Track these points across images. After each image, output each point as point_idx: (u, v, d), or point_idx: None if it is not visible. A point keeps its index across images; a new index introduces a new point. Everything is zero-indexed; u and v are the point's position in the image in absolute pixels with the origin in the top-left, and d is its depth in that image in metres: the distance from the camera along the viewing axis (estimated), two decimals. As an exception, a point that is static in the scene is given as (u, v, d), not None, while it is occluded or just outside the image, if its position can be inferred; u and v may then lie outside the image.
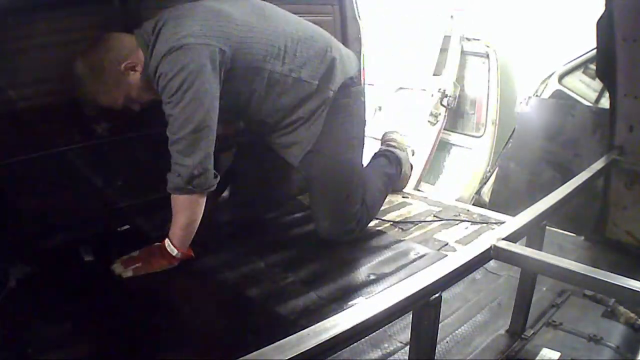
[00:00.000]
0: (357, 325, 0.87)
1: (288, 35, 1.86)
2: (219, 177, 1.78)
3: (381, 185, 2.26)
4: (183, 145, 1.66)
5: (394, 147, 2.51)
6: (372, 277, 1.84)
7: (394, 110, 4.11)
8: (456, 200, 3.00)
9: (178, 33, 1.64)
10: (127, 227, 2.14)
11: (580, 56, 2.94)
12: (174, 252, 1.78)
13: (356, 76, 2.04)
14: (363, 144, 2.14)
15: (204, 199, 1.77)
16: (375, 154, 2.51)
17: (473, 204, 2.97)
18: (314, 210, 2.09)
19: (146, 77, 1.72)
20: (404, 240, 2.13)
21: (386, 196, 2.34)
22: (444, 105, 3.81)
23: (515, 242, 1.19)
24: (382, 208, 2.42)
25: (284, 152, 2.02)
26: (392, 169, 2.39)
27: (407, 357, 1.10)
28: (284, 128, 1.95)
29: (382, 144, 2.59)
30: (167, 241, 1.79)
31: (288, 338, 0.80)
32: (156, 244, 1.83)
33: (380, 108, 4.20)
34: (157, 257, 1.79)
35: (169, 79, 1.63)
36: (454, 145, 4.06)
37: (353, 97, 2.01)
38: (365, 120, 2.18)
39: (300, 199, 2.49)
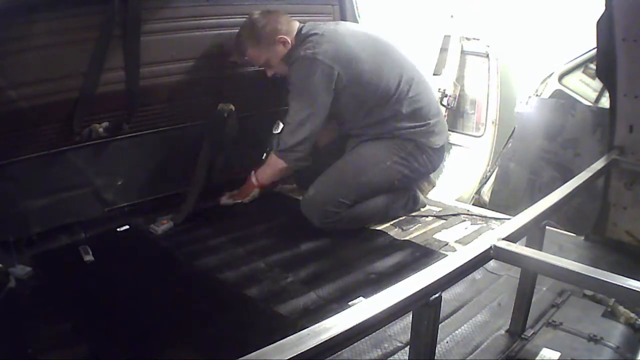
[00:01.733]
0: (357, 325, 0.86)
1: (402, 81, 2.19)
2: (309, 162, 2.22)
3: (382, 207, 2.26)
4: (288, 128, 2.15)
5: (419, 189, 2.48)
6: (372, 277, 1.84)
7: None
8: (456, 200, 3.00)
9: (316, 48, 2.07)
10: (126, 227, 2.14)
11: (580, 56, 2.94)
12: (255, 182, 2.33)
13: (439, 147, 2.31)
14: (398, 176, 2.24)
15: (289, 170, 2.32)
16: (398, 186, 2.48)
17: (473, 204, 2.97)
18: (317, 180, 2.22)
19: (286, 57, 2.16)
20: (404, 240, 2.13)
21: (383, 220, 2.29)
22: (444, 105, 3.80)
23: (515, 242, 1.19)
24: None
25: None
26: (402, 200, 2.34)
27: (407, 357, 1.10)
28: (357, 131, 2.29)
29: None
30: (253, 174, 2.33)
31: (288, 338, 0.80)
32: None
33: (380, 108, 4.20)
34: (245, 186, 2.36)
35: (297, 77, 2.11)
36: (454, 145, 4.05)
37: (419, 149, 2.24)
38: (420, 170, 2.29)
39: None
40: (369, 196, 2.20)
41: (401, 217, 2.34)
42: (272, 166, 2.27)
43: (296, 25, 2.20)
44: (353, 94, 2.14)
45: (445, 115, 3.81)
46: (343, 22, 2.57)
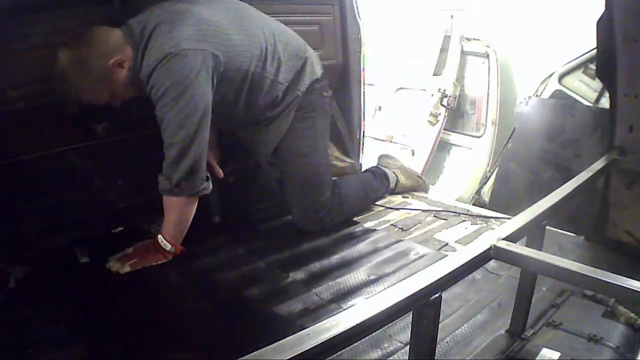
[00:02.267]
0: (357, 325, 0.87)
1: (267, 37, 1.91)
2: (210, 181, 1.84)
3: (358, 189, 2.35)
4: (175, 150, 1.71)
5: (383, 166, 2.61)
6: (372, 277, 1.84)
7: (394, 110, 4.11)
8: (456, 200, 3.00)
9: (174, 38, 1.65)
10: (121, 228, 2.14)
11: (580, 56, 2.94)
12: (168, 247, 1.84)
13: (321, 76, 2.12)
14: (327, 136, 2.24)
15: (195, 201, 1.83)
16: (365, 170, 2.66)
17: (473, 204, 2.97)
18: (286, 201, 2.18)
19: (133, 76, 1.72)
20: (404, 240, 2.13)
21: (367, 202, 2.40)
22: (444, 105, 3.81)
23: (515, 242, 1.19)
24: (382, 208, 2.43)
25: (255, 151, 2.15)
26: (375, 181, 2.47)
27: (407, 357, 1.10)
28: (255, 126, 2.05)
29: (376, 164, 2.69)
30: (160, 237, 1.85)
31: (288, 338, 0.80)
32: (149, 240, 1.88)
33: (380, 108, 4.21)
34: (152, 252, 1.85)
35: (166, 87, 1.65)
36: (454, 145, 4.06)
37: (316, 93, 2.09)
38: (328, 115, 2.23)
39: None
40: (331, 177, 2.23)
41: (382, 198, 2.47)
42: (175, 211, 1.81)
43: (117, 34, 1.70)
44: (233, 76, 1.81)
45: (445, 116, 3.83)
46: None
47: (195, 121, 1.70)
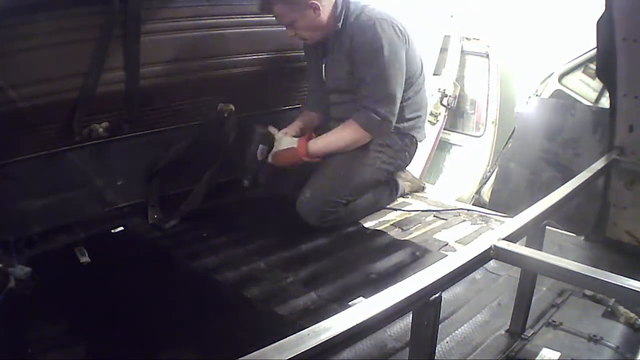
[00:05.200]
0: (357, 325, 0.86)
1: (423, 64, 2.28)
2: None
3: (371, 200, 2.36)
4: (385, 101, 2.04)
5: (398, 176, 2.57)
6: (372, 277, 1.84)
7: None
8: (456, 200, 3.00)
9: (383, 14, 2.03)
10: (121, 228, 2.14)
11: (580, 56, 2.94)
12: (307, 149, 2.13)
13: (422, 138, 2.38)
14: (385, 174, 2.33)
15: (362, 141, 2.13)
16: None
17: (473, 204, 2.97)
18: (312, 180, 2.19)
19: (322, 24, 2.04)
20: (404, 240, 2.13)
21: (373, 210, 2.39)
22: (444, 105, 3.81)
23: (515, 242, 1.19)
24: (382, 208, 2.43)
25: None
26: (386, 191, 2.45)
27: (407, 357, 1.10)
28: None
29: None
30: (304, 140, 2.14)
31: (288, 338, 0.80)
32: (292, 147, 2.14)
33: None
34: (291, 153, 2.15)
35: (378, 46, 1.98)
36: (454, 145, 4.06)
37: (410, 145, 2.33)
38: (406, 160, 2.39)
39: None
40: (362, 194, 2.26)
41: (388, 204, 2.46)
42: (346, 140, 2.13)
43: None
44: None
45: (445, 116, 3.83)
46: None
47: (399, 81, 2.05)
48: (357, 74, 2.08)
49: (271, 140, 2.20)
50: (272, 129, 2.22)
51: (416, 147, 2.38)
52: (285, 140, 2.19)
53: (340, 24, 2.08)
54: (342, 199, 2.16)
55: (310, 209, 2.14)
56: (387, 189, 2.44)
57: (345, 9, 2.07)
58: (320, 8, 2.02)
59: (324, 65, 2.24)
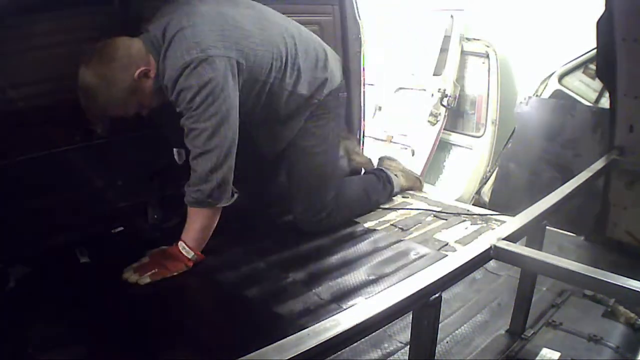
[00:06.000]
0: (357, 325, 0.87)
1: (288, 45, 1.89)
2: (236, 194, 1.81)
3: (360, 191, 2.34)
4: (208, 160, 1.67)
5: (386, 168, 2.60)
6: (372, 277, 1.84)
7: (394, 110, 4.11)
8: (456, 200, 3.00)
9: (200, 44, 1.61)
10: (121, 228, 2.14)
11: (580, 56, 2.93)
12: (190, 254, 1.78)
13: (340, 83, 2.11)
14: (339, 139, 2.22)
15: (220, 210, 1.79)
16: (366, 171, 2.66)
17: (473, 204, 2.97)
18: (290, 199, 2.16)
19: (156, 84, 1.69)
20: (404, 240, 2.13)
21: (369, 205, 2.39)
22: (444, 105, 3.81)
23: (515, 242, 1.19)
24: (382, 208, 2.43)
25: (263, 146, 2.13)
26: (378, 184, 2.46)
27: (407, 357, 1.10)
28: (267, 125, 2.03)
29: (377, 166, 2.69)
30: (181, 244, 1.78)
31: (288, 338, 0.80)
32: (164, 247, 1.83)
33: (380, 108, 4.20)
34: (172, 260, 1.78)
35: (194, 93, 1.61)
36: (454, 145, 4.05)
37: (332, 96, 2.07)
38: (342, 115, 2.24)
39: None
40: (343, 180, 2.26)
41: (385, 202, 2.45)
42: (200, 220, 1.77)
43: (138, 43, 1.67)
44: (251, 85, 1.79)
45: (445, 116, 3.83)
46: None
47: (228, 129, 1.67)
48: None
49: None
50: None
51: (338, 100, 2.13)
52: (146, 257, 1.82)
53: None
54: (328, 195, 2.14)
55: (306, 221, 2.14)
56: (377, 181, 2.44)
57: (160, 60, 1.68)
58: (150, 67, 1.68)
59: None
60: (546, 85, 3.04)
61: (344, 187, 2.26)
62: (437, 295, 1.00)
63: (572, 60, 2.97)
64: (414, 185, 2.69)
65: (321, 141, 2.09)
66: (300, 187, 2.12)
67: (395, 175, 2.58)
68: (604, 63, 1.85)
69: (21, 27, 1.71)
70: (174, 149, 2.00)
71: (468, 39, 3.87)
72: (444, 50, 3.86)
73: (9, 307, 1.58)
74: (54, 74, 1.81)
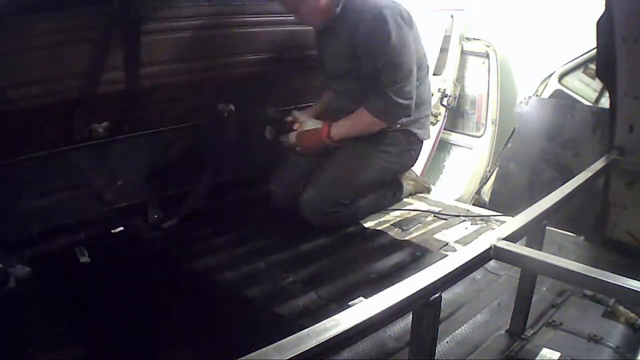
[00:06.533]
0: (357, 325, 0.86)
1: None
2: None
3: (372, 199, 2.35)
4: (405, 89, 2.02)
5: (403, 176, 2.57)
6: (372, 277, 1.84)
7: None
8: (456, 200, 3.00)
9: (394, 2, 1.99)
10: (121, 228, 2.14)
11: (580, 56, 2.94)
12: (328, 134, 2.14)
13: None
14: (389, 174, 2.35)
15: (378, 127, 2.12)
16: None
17: (473, 204, 2.97)
18: (314, 178, 2.19)
19: (323, 8, 2.02)
20: (404, 240, 2.13)
21: (375, 210, 2.39)
22: (444, 105, 3.81)
23: (515, 242, 1.19)
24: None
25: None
26: (389, 192, 2.46)
27: (407, 357, 1.10)
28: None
29: None
30: (328, 125, 2.15)
31: (288, 338, 0.80)
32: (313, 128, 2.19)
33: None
34: (314, 136, 2.18)
35: (384, 34, 1.95)
36: (454, 145, 4.05)
37: (415, 143, 2.30)
38: (407, 164, 2.40)
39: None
40: (365, 194, 2.26)
41: (391, 206, 2.45)
42: (364, 125, 2.13)
43: None
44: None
45: (445, 116, 3.82)
46: None
47: (410, 65, 2.03)
48: (367, 64, 2.05)
49: (281, 124, 2.26)
50: (297, 113, 2.27)
51: (421, 146, 2.36)
52: (310, 122, 2.23)
53: (339, 9, 2.05)
54: (345, 199, 2.16)
55: (313, 208, 2.14)
56: (390, 190, 2.44)
57: None
58: None
59: (324, 49, 2.23)
60: (546, 85, 3.04)
61: (364, 200, 2.27)
62: (437, 295, 1.00)
63: (572, 60, 2.98)
64: (422, 190, 2.68)
65: (379, 160, 2.20)
66: (325, 172, 2.17)
67: (407, 183, 2.57)
68: (604, 63, 1.85)
69: (21, 27, 1.70)
70: (267, 127, 2.29)
71: (468, 39, 3.87)
72: (444, 50, 3.86)
73: (9, 307, 1.58)
74: (54, 74, 1.81)
